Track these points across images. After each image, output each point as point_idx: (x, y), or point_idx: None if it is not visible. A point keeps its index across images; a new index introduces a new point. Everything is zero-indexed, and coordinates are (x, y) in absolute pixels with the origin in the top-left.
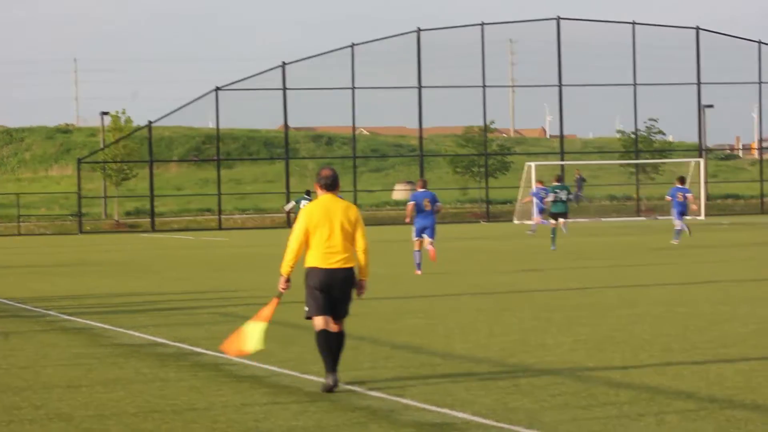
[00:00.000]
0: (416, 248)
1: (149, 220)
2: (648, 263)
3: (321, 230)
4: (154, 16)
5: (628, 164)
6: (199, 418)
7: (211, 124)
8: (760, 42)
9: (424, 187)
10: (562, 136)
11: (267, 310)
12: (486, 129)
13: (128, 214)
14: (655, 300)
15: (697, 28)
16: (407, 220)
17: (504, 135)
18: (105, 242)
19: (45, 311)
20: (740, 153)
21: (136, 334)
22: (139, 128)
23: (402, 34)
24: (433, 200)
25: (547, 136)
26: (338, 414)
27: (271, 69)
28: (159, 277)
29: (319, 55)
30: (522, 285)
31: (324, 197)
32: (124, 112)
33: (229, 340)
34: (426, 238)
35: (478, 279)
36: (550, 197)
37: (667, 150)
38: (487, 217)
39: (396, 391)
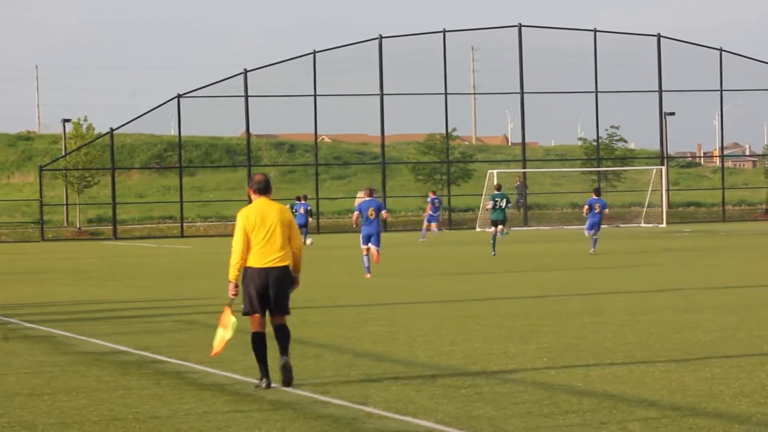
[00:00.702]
0: (365, 254)
1: (111, 227)
2: (611, 271)
3: (258, 232)
4: (116, 23)
5: (590, 172)
6: (161, 426)
7: (173, 132)
8: (721, 50)
9: (370, 195)
10: (524, 144)
11: (226, 318)
12: (448, 136)
13: (90, 221)
14: (618, 308)
15: (659, 36)
16: (354, 226)
17: (466, 142)
18: (67, 250)
19: (7, 319)
20: (702, 161)
21: (99, 341)
22: (100, 135)
23: (364, 41)
24: (378, 209)
25: (509, 144)
26: (301, 422)
27: (233, 76)
28: (121, 284)
29: (280, 62)
30: (485, 292)
31: (258, 201)
32: (85, 120)
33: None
34: (372, 247)
35: (441, 286)
36: (489, 205)
37: (628, 157)
38: (450, 225)
39: (359, 399)
